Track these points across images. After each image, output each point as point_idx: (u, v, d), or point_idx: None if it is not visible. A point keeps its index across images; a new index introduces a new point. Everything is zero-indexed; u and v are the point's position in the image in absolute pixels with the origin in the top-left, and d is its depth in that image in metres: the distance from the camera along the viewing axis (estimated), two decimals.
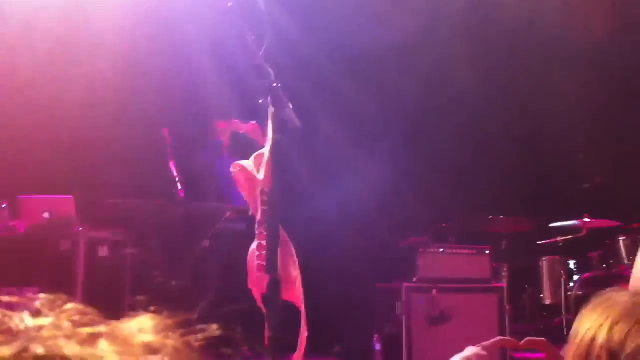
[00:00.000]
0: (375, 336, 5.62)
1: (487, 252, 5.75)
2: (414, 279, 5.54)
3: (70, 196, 4.70)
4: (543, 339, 1.34)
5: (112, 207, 4.63)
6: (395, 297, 5.46)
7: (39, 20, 5.25)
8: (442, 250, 5.68)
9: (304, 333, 2.86)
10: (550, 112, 6.64)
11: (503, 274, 5.95)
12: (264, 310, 2.65)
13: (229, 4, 2.57)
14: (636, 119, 6.44)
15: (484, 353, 1.26)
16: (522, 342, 1.32)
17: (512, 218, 5.99)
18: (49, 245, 4.46)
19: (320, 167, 6.16)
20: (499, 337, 1.33)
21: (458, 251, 5.72)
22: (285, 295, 2.81)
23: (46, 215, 4.63)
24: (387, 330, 5.58)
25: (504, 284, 5.80)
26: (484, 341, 1.29)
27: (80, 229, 4.55)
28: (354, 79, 6.31)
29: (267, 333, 2.51)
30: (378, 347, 5.46)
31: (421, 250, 5.59)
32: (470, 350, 1.26)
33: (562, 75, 6.48)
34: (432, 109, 6.63)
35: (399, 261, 5.78)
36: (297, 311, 2.88)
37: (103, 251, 4.69)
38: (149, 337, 0.60)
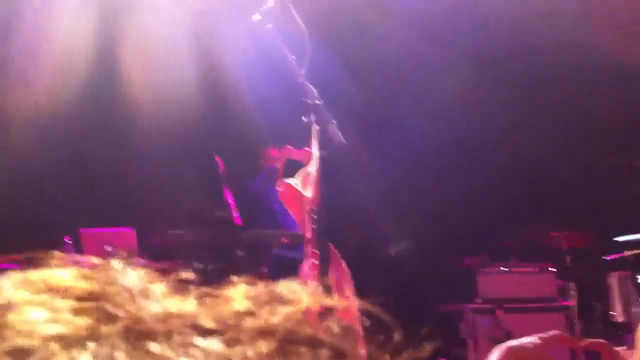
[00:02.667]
0: None
1: (552, 269, 5.59)
2: (477, 300, 5.43)
3: (132, 229, 4.78)
4: (605, 341, 1.29)
5: (171, 238, 4.71)
6: (457, 319, 5.35)
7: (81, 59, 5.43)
8: (503, 269, 5.55)
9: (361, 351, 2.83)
10: (608, 124, 6.50)
11: (570, 292, 5.76)
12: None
13: (268, 25, 2.61)
14: None
15: (540, 343, 1.23)
16: (583, 342, 1.28)
17: (575, 233, 5.81)
18: None
19: (372, 187, 6.13)
20: (556, 331, 1.29)
21: (520, 269, 5.58)
22: (340, 314, 2.80)
23: (108, 248, 4.73)
24: (453, 353, 5.47)
25: (572, 302, 5.62)
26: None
27: (143, 261, 4.62)
28: (390, 97, 6.31)
29: None
30: None
31: (481, 270, 5.48)
32: (527, 338, 1.23)
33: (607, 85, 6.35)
34: (490, 126, 6.56)
35: (457, 282, 5.68)
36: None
37: None
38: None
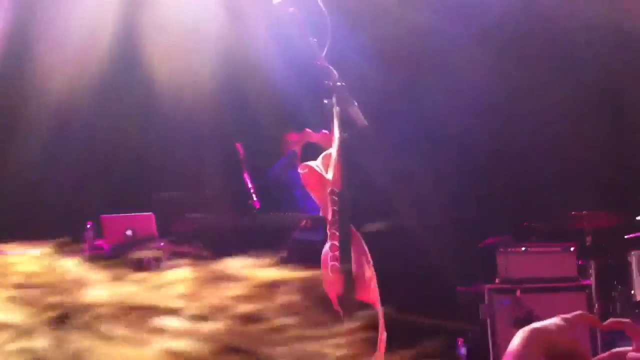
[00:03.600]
0: (460, 340, 5.52)
1: (572, 249, 5.57)
2: (496, 281, 5.42)
3: (151, 213, 4.82)
4: (628, 320, 1.29)
5: (190, 222, 4.73)
6: (477, 299, 5.35)
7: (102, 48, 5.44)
8: (523, 249, 5.53)
9: (382, 334, 2.84)
10: (635, 105, 6.43)
11: (590, 271, 5.74)
12: (340, 311, 2.65)
13: (290, 9, 2.61)
14: None
15: (564, 324, 1.22)
16: (606, 322, 1.27)
17: (596, 213, 5.78)
18: None
19: (393, 167, 6.12)
20: (580, 311, 1.27)
21: (540, 249, 5.56)
22: (361, 295, 2.80)
23: (129, 232, 4.77)
24: (471, 333, 5.48)
25: (592, 281, 5.60)
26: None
27: (162, 244, 4.65)
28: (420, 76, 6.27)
29: None
30: (463, 351, 5.36)
31: (501, 250, 5.47)
32: (550, 320, 1.22)
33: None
34: (512, 107, 6.52)
35: (477, 263, 5.67)
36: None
37: None
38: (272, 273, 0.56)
